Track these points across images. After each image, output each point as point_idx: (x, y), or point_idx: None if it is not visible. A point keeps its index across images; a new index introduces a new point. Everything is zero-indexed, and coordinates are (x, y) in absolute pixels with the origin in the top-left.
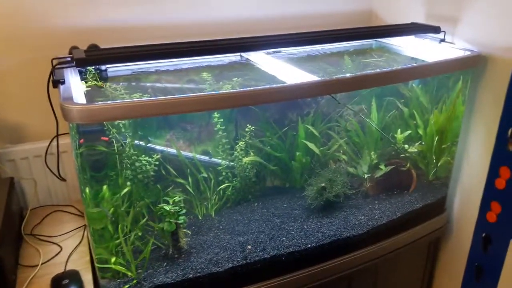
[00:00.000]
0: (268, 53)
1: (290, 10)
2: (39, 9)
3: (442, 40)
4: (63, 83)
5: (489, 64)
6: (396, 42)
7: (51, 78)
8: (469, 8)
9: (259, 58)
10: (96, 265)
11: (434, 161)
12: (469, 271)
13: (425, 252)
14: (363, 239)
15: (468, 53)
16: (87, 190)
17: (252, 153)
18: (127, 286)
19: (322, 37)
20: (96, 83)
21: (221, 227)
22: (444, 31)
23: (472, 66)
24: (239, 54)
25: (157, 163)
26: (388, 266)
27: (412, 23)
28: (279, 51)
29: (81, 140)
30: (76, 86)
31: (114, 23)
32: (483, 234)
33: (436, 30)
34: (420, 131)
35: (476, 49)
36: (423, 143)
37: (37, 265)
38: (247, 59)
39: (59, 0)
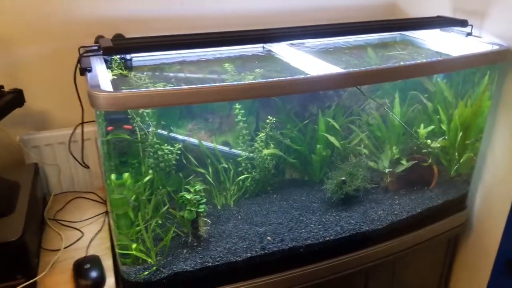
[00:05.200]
0: (290, 45)
1: (313, 2)
2: None
3: (469, 34)
4: (90, 71)
5: None
6: (420, 36)
7: (79, 66)
8: (497, 1)
9: (282, 50)
10: (117, 251)
11: (457, 157)
12: (498, 267)
13: (444, 248)
14: (382, 234)
15: (496, 47)
16: (112, 176)
17: (272, 145)
18: (146, 272)
19: (346, 29)
20: (122, 72)
21: (239, 217)
22: (471, 25)
23: (499, 61)
24: (261, 45)
25: (178, 152)
26: (406, 261)
27: (438, 16)
28: (302, 43)
29: (109, 128)
30: (102, 74)
31: (139, 13)
32: None
33: (463, 23)
34: (444, 126)
35: (505, 43)
36: (446, 138)
37: (59, 249)
38: (270, 50)
39: None
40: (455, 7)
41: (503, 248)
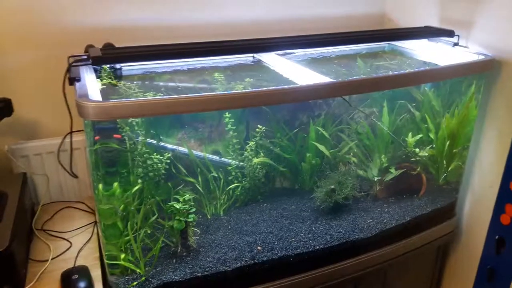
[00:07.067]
0: (280, 55)
1: (303, 12)
2: (54, 7)
3: (456, 44)
4: (78, 80)
5: (503, 69)
6: (409, 46)
7: (68, 76)
8: (484, 12)
9: (272, 59)
10: (106, 261)
11: (445, 165)
12: (481, 274)
13: (434, 256)
14: (371, 242)
15: (482, 57)
16: (100, 186)
17: (262, 154)
18: (135, 283)
19: (335, 39)
20: (111, 81)
21: (229, 227)
22: (458, 35)
23: (486, 71)
24: (251, 55)
25: (168, 161)
26: (396, 270)
27: (426, 27)
28: (291, 53)
29: (97, 137)
30: (91, 83)
31: (129, 23)
32: (496, 237)
33: (450, 33)
34: (431, 135)
35: (490, 53)
36: (434, 146)
37: (47, 260)
38: (260, 60)
39: None
40: (443, 17)
41: (485, 255)
